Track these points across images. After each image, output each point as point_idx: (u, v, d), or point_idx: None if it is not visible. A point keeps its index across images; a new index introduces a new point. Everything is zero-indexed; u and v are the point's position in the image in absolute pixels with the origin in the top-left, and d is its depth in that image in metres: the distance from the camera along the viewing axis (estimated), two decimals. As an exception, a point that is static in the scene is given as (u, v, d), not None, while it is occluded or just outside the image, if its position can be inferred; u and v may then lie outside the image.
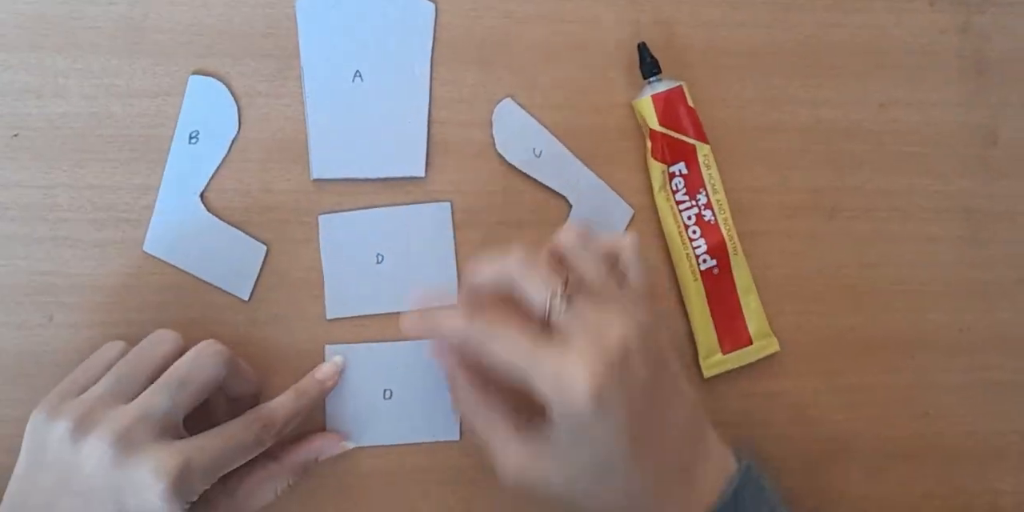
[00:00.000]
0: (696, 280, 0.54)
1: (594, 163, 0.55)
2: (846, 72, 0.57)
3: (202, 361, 0.45)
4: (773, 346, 0.55)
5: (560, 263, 0.45)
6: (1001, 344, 0.57)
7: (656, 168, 0.54)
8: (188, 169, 0.51)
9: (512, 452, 0.44)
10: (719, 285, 0.54)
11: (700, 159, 0.54)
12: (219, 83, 0.52)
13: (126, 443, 0.40)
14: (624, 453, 0.42)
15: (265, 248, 0.51)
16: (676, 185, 0.54)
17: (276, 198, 0.52)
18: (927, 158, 0.58)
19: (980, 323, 0.57)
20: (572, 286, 0.43)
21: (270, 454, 0.47)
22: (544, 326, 0.43)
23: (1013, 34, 0.59)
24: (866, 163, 0.57)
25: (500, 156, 0.54)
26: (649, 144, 0.54)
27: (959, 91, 0.59)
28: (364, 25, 0.53)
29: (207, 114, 0.52)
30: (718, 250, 0.54)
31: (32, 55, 0.51)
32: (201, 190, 0.51)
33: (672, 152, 0.54)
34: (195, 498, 0.41)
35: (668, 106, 0.53)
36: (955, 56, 0.59)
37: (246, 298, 0.51)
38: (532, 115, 0.54)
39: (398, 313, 0.51)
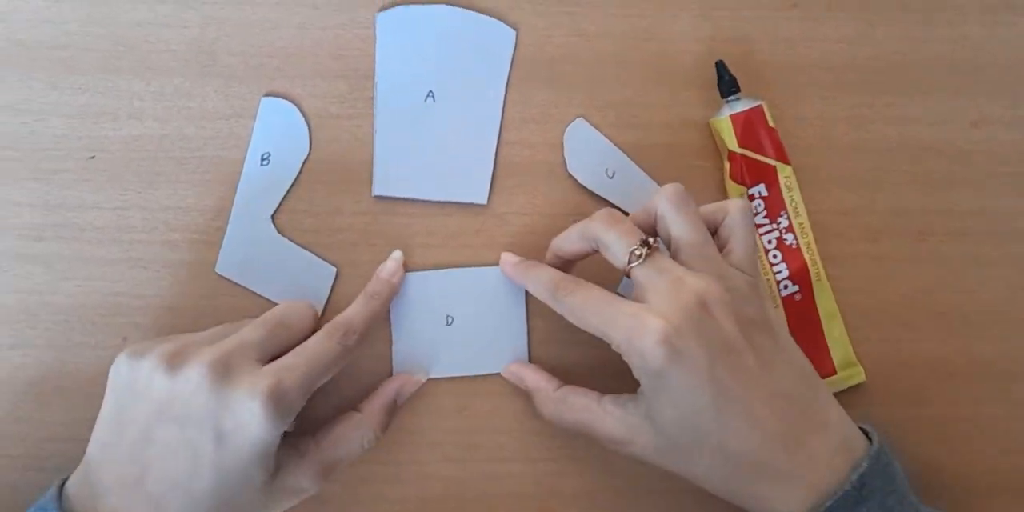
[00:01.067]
0: (777, 307, 0.52)
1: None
2: (936, 89, 0.55)
3: (300, 309, 0.47)
4: (859, 376, 0.52)
5: (651, 224, 0.46)
6: (1103, 374, 0.54)
7: (735, 190, 0.52)
8: (259, 191, 0.51)
9: (604, 422, 0.44)
10: (802, 312, 0.52)
11: (781, 181, 0.52)
12: (290, 105, 0.51)
13: (221, 368, 0.41)
14: (710, 409, 0.41)
15: (335, 270, 0.51)
16: (756, 208, 0.52)
17: (346, 220, 0.52)
18: (1022, 178, 0.55)
19: (1080, 352, 0.54)
20: (655, 245, 0.43)
21: (353, 406, 0.48)
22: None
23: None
24: (957, 183, 0.55)
25: (572, 177, 0.53)
26: (728, 165, 0.52)
27: (1057, 107, 0.55)
28: (442, 45, 0.52)
29: (279, 136, 0.52)
30: (800, 275, 0.52)
31: (107, 78, 0.52)
32: (272, 212, 0.51)
33: (752, 174, 0.52)
34: (292, 417, 0.42)
35: (748, 126, 0.52)
36: (1053, 70, 0.56)
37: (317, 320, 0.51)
38: (604, 135, 0.53)
39: (465, 377, 0.52)
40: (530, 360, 0.51)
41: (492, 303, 0.51)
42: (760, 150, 0.52)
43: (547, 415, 0.48)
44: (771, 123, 0.52)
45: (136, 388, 0.42)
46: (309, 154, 0.52)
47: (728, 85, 0.52)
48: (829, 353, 0.52)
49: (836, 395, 0.51)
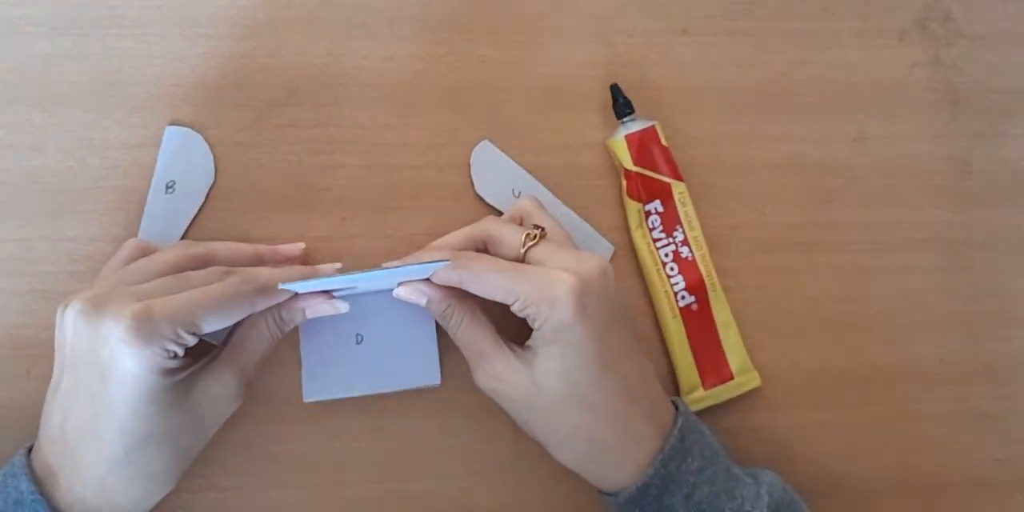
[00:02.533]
0: (676, 317, 0.54)
1: (572, 202, 0.55)
2: (819, 108, 0.58)
3: (209, 276, 0.45)
4: (755, 381, 0.55)
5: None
6: (982, 374, 0.57)
7: (632, 207, 0.54)
8: (165, 218, 0.51)
9: (491, 360, 0.47)
10: (699, 321, 0.55)
11: (676, 197, 0.55)
12: (194, 133, 0.52)
13: (97, 302, 0.41)
14: (594, 366, 0.45)
15: None
16: (652, 223, 0.55)
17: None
18: (902, 190, 0.58)
19: (961, 353, 0.58)
20: (545, 232, 0.48)
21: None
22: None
23: (982, 65, 0.60)
24: (842, 197, 0.58)
25: (479, 198, 0.54)
26: (624, 183, 0.55)
27: (932, 123, 0.59)
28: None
29: (183, 164, 0.52)
30: (696, 287, 0.54)
31: (7, 109, 0.51)
32: (179, 238, 0.51)
33: (647, 191, 0.54)
34: (164, 343, 0.41)
35: (642, 146, 0.54)
36: (926, 89, 0.59)
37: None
38: (509, 157, 0.55)
39: (377, 395, 0.52)
40: (442, 374, 0.52)
41: (402, 320, 0.52)
42: (654, 168, 0.54)
43: (447, 326, 0.49)
44: (664, 142, 0.55)
45: (56, 342, 0.43)
46: (215, 181, 0.52)
47: (622, 107, 0.55)
48: (726, 359, 0.54)
49: (733, 400, 0.54)
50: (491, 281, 0.45)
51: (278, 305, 0.47)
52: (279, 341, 0.48)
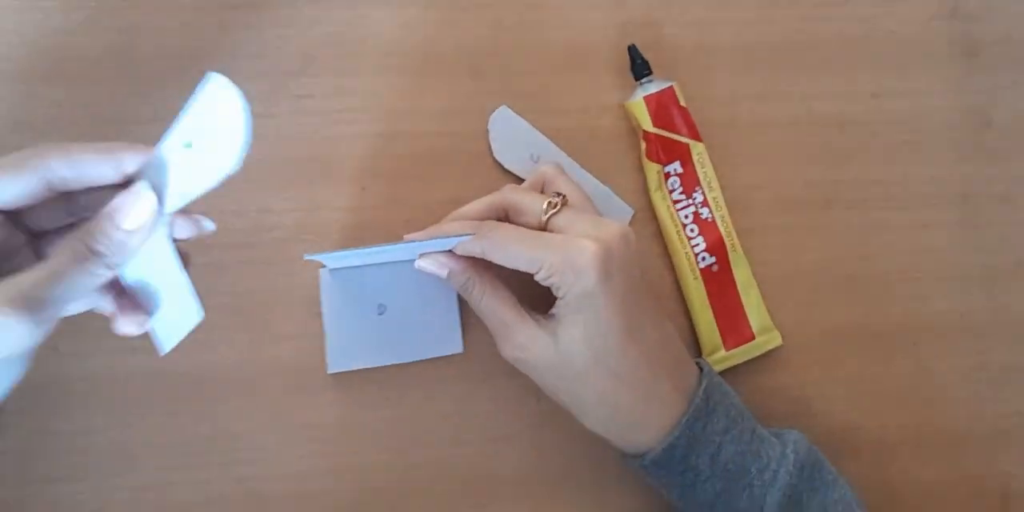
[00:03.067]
0: (696, 278, 0.55)
1: (591, 166, 0.55)
2: (836, 65, 0.58)
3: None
4: (776, 340, 0.55)
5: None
6: (1003, 328, 0.58)
7: (652, 169, 0.54)
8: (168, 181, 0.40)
9: (515, 330, 0.47)
10: (719, 282, 0.55)
11: (695, 158, 0.55)
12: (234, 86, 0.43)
13: None
14: (619, 333, 0.45)
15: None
16: (672, 185, 0.55)
17: (275, 218, 0.53)
18: (921, 146, 0.58)
19: (981, 308, 0.58)
20: (567, 199, 0.48)
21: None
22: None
23: (1002, 15, 0.59)
24: (860, 154, 0.58)
25: (498, 164, 0.54)
26: (644, 145, 0.55)
27: (950, 77, 0.59)
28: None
29: (213, 122, 0.42)
30: (717, 247, 0.55)
31: (24, 88, 0.51)
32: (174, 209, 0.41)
33: (666, 152, 0.54)
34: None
35: (660, 107, 0.54)
36: (945, 42, 0.59)
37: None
38: (527, 121, 0.55)
39: (399, 364, 0.52)
40: (464, 345, 0.53)
41: (424, 289, 0.52)
42: (673, 129, 0.54)
43: (469, 298, 0.49)
44: (683, 103, 0.54)
45: None
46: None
47: (640, 68, 0.54)
48: (747, 319, 0.55)
49: (754, 360, 0.54)
50: (514, 251, 0.45)
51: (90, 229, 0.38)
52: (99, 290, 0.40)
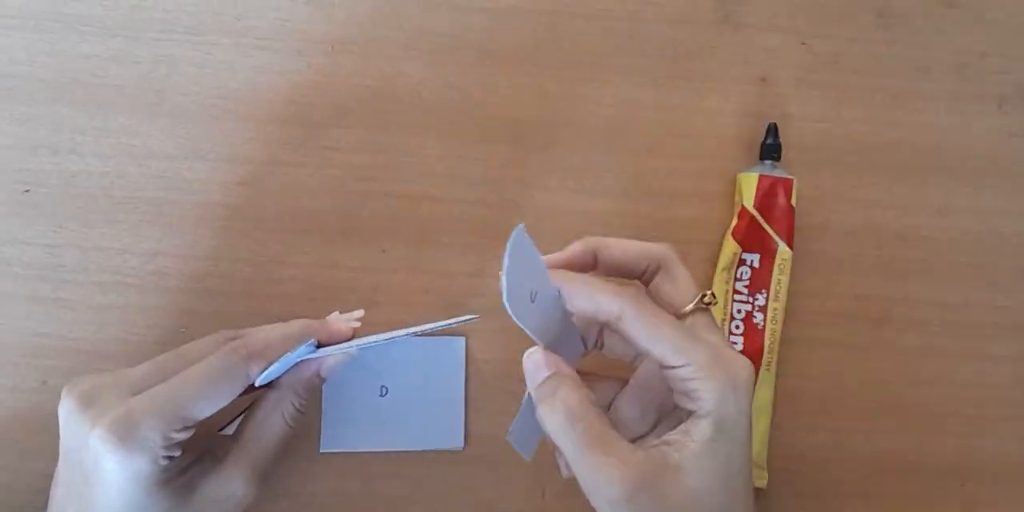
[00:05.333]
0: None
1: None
2: (903, 173, 0.54)
3: (208, 338, 0.42)
4: (761, 480, 0.50)
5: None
6: (1062, 478, 0.52)
7: (729, 247, 0.51)
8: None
9: (632, 460, 0.35)
10: (742, 393, 0.50)
11: (777, 261, 0.51)
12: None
13: (85, 401, 0.38)
14: (747, 479, 0.37)
15: None
16: (741, 274, 0.51)
17: (288, 271, 0.50)
18: (987, 270, 0.54)
19: (1040, 454, 0.52)
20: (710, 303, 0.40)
21: (270, 385, 0.43)
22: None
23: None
24: (919, 271, 0.53)
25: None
26: (735, 221, 0.51)
27: (1025, 200, 0.54)
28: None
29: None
30: (752, 357, 0.50)
31: (49, 109, 0.50)
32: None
33: (752, 240, 0.51)
34: (151, 448, 0.37)
35: (770, 192, 0.50)
36: (1022, 163, 0.55)
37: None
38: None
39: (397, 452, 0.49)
40: (466, 434, 0.49)
41: (429, 373, 0.49)
42: (771, 220, 0.51)
43: (559, 421, 0.37)
44: (793, 201, 0.51)
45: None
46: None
47: (770, 149, 0.51)
48: None
49: (783, 477, 0.49)
50: (666, 332, 0.37)
51: (290, 380, 0.43)
52: (295, 428, 0.44)
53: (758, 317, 0.51)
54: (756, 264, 0.51)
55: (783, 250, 0.51)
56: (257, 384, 0.41)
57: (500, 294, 0.33)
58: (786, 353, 0.51)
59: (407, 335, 0.43)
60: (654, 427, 0.40)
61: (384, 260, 0.51)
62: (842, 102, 0.54)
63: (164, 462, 0.38)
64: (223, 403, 0.40)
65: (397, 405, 0.49)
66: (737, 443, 0.36)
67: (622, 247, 0.41)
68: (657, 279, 0.41)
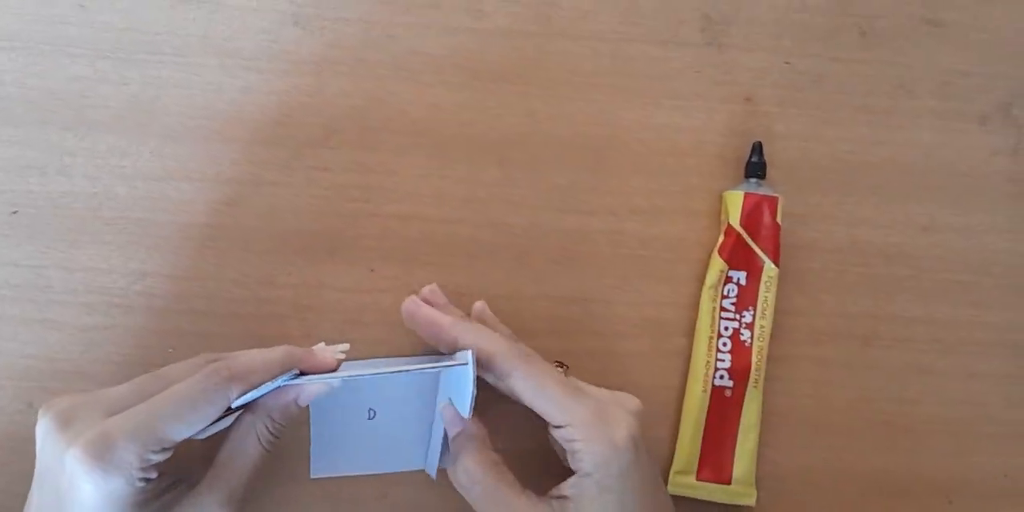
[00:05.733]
0: (704, 392, 0.50)
1: (613, 272, 0.52)
2: (887, 192, 0.54)
3: (189, 362, 0.42)
4: (750, 498, 0.50)
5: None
6: (1050, 496, 0.52)
7: (716, 265, 0.51)
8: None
9: (512, 507, 0.41)
10: (724, 410, 0.50)
11: (763, 278, 0.51)
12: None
13: (62, 423, 0.37)
14: (645, 505, 0.40)
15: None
16: (728, 291, 0.51)
17: (276, 291, 0.50)
18: (973, 287, 0.54)
19: (1027, 472, 0.52)
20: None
21: (246, 408, 0.43)
22: None
23: (1069, 157, 0.56)
24: (906, 289, 0.53)
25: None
26: (721, 239, 0.51)
27: (1009, 217, 0.55)
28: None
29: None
30: (740, 374, 0.50)
31: (39, 131, 0.50)
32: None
33: (738, 257, 0.51)
34: (127, 470, 0.37)
35: (755, 210, 0.51)
36: (1006, 180, 0.55)
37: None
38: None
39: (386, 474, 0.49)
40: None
41: (415, 396, 0.48)
42: (756, 238, 0.51)
43: (461, 481, 0.43)
44: (779, 219, 0.51)
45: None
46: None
47: (755, 167, 0.52)
48: (732, 462, 0.50)
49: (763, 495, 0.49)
50: (550, 391, 0.40)
51: (267, 405, 0.42)
52: (272, 452, 0.43)
53: (745, 334, 0.51)
54: (743, 281, 0.51)
55: (769, 268, 0.51)
56: (233, 406, 0.41)
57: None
58: (773, 371, 0.51)
59: (391, 373, 0.42)
60: None
61: (372, 280, 0.51)
62: (826, 121, 0.54)
63: (140, 484, 0.37)
64: (201, 425, 0.39)
65: (385, 427, 0.48)
66: (627, 492, 0.39)
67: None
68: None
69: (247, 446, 0.42)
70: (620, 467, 0.38)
